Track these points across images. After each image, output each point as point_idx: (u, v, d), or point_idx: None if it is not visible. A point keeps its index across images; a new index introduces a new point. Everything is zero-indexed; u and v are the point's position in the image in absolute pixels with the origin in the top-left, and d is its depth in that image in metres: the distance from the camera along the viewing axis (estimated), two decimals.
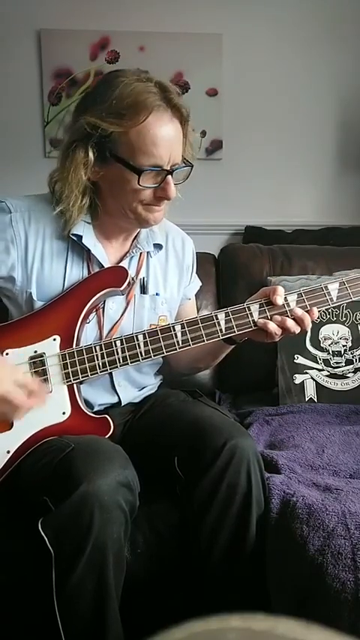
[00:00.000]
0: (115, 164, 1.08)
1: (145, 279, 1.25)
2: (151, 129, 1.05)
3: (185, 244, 1.35)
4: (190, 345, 1.11)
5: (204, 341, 1.11)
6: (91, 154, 1.07)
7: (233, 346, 1.23)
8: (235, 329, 1.11)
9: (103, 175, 1.10)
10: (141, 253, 1.25)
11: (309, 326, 1.12)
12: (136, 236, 1.25)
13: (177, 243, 1.33)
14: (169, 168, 1.08)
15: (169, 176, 1.09)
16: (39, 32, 2.61)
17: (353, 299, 1.13)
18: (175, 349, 1.11)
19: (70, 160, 1.08)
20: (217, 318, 1.12)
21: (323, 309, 1.16)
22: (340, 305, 1.66)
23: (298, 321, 1.11)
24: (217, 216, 2.72)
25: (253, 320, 1.11)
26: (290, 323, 1.10)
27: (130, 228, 1.21)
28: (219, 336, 1.12)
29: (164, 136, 1.06)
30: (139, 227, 1.21)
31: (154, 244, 1.26)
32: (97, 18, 2.60)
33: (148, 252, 1.26)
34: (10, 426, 1.07)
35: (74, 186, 1.09)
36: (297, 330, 1.11)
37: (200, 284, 1.45)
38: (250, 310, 1.12)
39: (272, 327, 1.10)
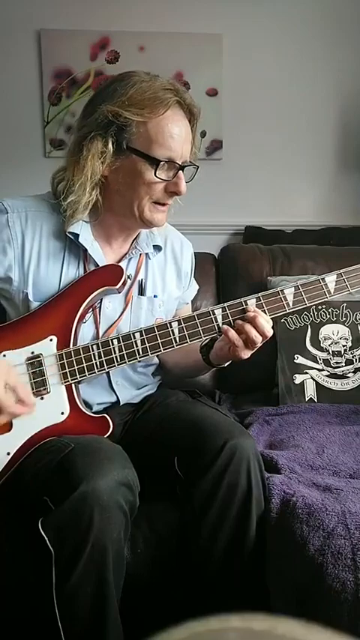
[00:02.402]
0: (130, 156, 1.09)
1: (144, 280, 1.25)
2: (169, 122, 1.08)
3: (184, 248, 1.35)
4: (187, 341, 1.11)
5: (201, 337, 1.12)
6: (110, 145, 1.08)
7: (213, 368, 1.25)
8: (232, 323, 1.11)
9: (117, 168, 1.11)
10: (140, 255, 1.25)
11: (265, 327, 1.08)
12: (135, 238, 1.25)
13: (176, 246, 1.33)
14: (182, 164, 1.11)
15: (181, 171, 1.11)
16: (39, 32, 2.61)
17: (351, 291, 1.13)
18: (173, 346, 1.11)
19: (86, 149, 1.08)
20: (213, 314, 1.12)
21: (322, 302, 1.15)
22: (340, 305, 1.66)
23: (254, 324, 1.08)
24: (217, 216, 2.72)
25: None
26: (248, 327, 1.08)
27: (131, 228, 1.21)
28: (216, 332, 1.12)
29: (179, 132, 1.09)
30: (141, 227, 1.21)
31: (153, 246, 1.26)
32: (97, 18, 2.60)
33: (147, 254, 1.26)
34: (10, 427, 1.07)
35: (89, 177, 1.09)
36: (256, 337, 1.07)
37: (197, 288, 1.46)
38: (246, 304, 1.11)
39: (231, 334, 1.09)
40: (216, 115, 2.67)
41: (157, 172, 1.09)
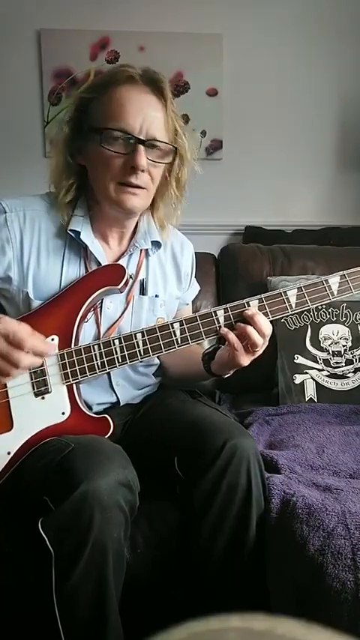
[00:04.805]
0: (90, 137, 1.11)
1: (145, 280, 1.25)
2: (120, 95, 1.09)
3: (184, 248, 1.35)
4: (189, 342, 1.10)
5: (203, 338, 1.11)
6: (69, 130, 1.13)
7: (215, 377, 1.22)
8: (234, 324, 1.11)
9: (86, 154, 1.13)
10: (141, 252, 1.25)
11: (264, 324, 1.07)
12: (133, 235, 1.24)
13: (176, 247, 1.33)
14: (142, 138, 1.09)
15: (140, 145, 1.08)
16: (39, 32, 2.61)
17: (354, 292, 1.12)
18: (175, 347, 1.10)
19: (55, 140, 1.15)
20: (215, 315, 1.11)
21: (324, 304, 1.14)
22: (340, 305, 1.66)
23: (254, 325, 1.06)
24: (217, 216, 2.73)
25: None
26: (249, 329, 1.06)
27: (117, 219, 1.19)
28: (217, 335, 1.11)
29: (133, 103, 1.08)
30: (120, 213, 1.17)
31: (152, 242, 1.25)
32: (97, 18, 2.60)
33: (147, 252, 1.26)
34: (11, 426, 1.07)
35: (60, 165, 1.14)
36: (257, 339, 1.06)
37: (199, 289, 1.45)
38: (248, 306, 1.11)
39: (231, 337, 1.07)
40: (216, 115, 2.68)
41: (102, 142, 1.08)
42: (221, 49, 2.65)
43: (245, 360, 1.10)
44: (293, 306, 1.11)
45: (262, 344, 1.08)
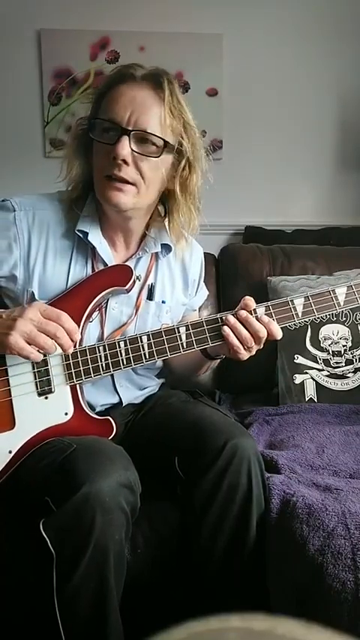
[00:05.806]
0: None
1: (153, 285, 1.24)
2: (116, 89, 1.09)
3: (193, 254, 1.33)
4: (194, 347, 1.09)
5: (208, 343, 1.10)
6: (78, 129, 1.15)
7: (213, 360, 1.23)
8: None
9: (91, 152, 1.14)
10: (151, 257, 1.24)
11: (277, 333, 1.08)
12: (143, 239, 1.23)
13: (185, 252, 1.31)
14: (128, 128, 1.06)
15: (125, 135, 1.06)
16: (39, 32, 2.61)
17: None
18: (180, 351, 1.09)
19: (69, 137, 1.18)
20: (222, 321, 1.10)
21: (329, 313, 1.13)
22: None
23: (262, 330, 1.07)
24: (217, 216, 2.69)
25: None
26: (244, 333, 1.07)
27: (119, 221, 1.17)
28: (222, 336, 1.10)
29: (125, 95, 1.08)
30: (112, 210, 1.14)
31: (162, 245, 1.23)
32: (97, 18, 2.60)
33: (157, 256, 1.25)
34: (13, 425, 1.07)
35: (71, 164, 1.15)
36: (250, 342, 1.07)
37: (207, 294, 1.44)
38: (256, 313, 1.10)
39: (232, 339, 1.07)
40: (216, 115, 2.68)
41: (91, 132, 1.09)
42: (221, 49, 2.65)
43: (244, 356, 1.10)
44: (300, 314, 1.10)
45: (252, 343, 1.08)
